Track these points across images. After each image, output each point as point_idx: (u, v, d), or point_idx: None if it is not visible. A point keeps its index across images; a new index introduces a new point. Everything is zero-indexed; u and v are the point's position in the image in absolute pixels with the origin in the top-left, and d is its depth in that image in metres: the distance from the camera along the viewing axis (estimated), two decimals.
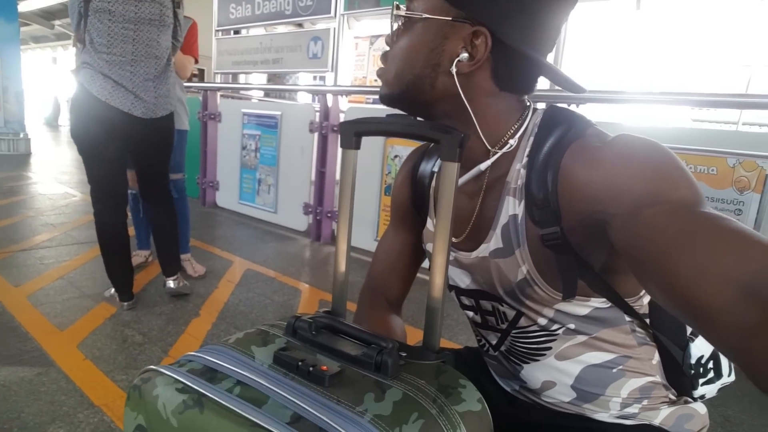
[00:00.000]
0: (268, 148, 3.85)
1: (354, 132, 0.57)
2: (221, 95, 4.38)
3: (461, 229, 0.67)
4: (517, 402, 0.75)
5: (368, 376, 0.46)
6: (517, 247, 0.60)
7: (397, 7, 0.60)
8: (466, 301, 0.74)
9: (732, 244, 0.38)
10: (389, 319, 0.78)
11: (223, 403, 0.41)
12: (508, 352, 0.71)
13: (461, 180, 0.63)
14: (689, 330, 0.68)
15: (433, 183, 0.75)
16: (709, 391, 0.70)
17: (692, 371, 0.67)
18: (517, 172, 0.60)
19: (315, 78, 5.43)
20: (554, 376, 0.67)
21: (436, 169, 0.75)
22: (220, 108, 4.26)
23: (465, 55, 0.57)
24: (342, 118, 3.40)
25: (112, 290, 2.14)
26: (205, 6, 4.54)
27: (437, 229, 0.54)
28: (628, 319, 0.64)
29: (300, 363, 0.46)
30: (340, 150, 0.68)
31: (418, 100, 0.61)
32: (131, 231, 2.20)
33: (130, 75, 1.86)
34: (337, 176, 3.36)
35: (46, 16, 13.75)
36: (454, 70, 0.57)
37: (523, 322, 0.66)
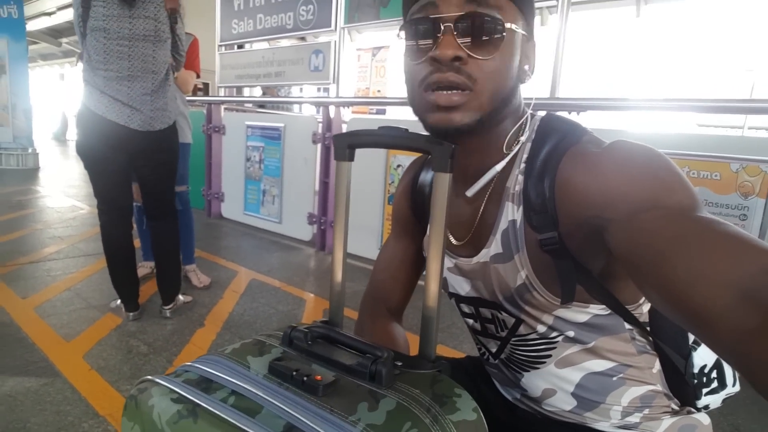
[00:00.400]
0: (272, 159, 3.88)
1: (347, 144, 0.58)
2: (225, 108, 4.43)
3: (463, 234, 0.68)
4: (518, 411, 0.75)
5: (362, 385, 0.46)
6: (516, 252, 0.61)
7: (492, 19, 0.54)
8: (465, 308, 0.74)
9: (729, 247, 0.38)
10: (391, 327, 0.78)
11: (217, 413, 0.41)
12: (508, 360, 0.71)
13: (478, 185, 0.62)
14: (692, 339, 0.67)
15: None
16: (713, 401, 0.69)
17: (695, 381, 0.66)
18: (516, 178, 0.61)
19: (319, 90, 5.49)
20: (554, 383, 0.67)
21: None
22: (224, 121, 4.30)
23: (526, 66, 0.60)
24: (344, 129, 3.43)
25: (118, 301, 2.15)
26: (208, 22, 4.61)
27: (431, 239, 0.54)
28: (627, 326, 0.64)
29: (294, 373, 0.46)
30: None
31: (497, 118, 0.59)
32: (137, 243, 2.22)
33: (128, 90, 1.90)
34: None
35: (54, 34, 13.99)
36: (527, 81, 0.60)
37: (522, 329, 0.66)
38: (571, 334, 0.64)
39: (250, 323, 2.21)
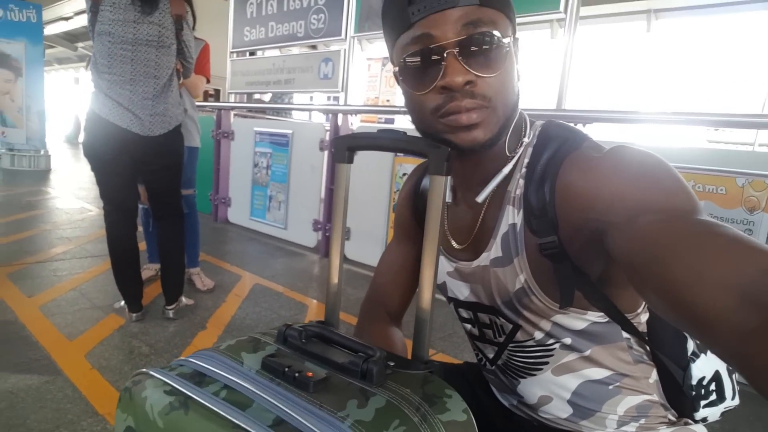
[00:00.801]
0: (279, 165, 3.91)
1: (347, 146, 0.59)
2: (235, 114, 4.48)
3: (464, 237, 0.68)
4: (514, 418, 0.74)
5: (353, 383, 0.47)
6: (515, 255, 0.61)
7: (491, 36, 0.54)
8: (464, 313, 0.74)
9: (729, 249, 0.38)
10: (389, 331, 0.78)
11: (208, 405, 0.42)
12: (506, 366, 0.71)
13: (488, 190, 0.62)
14: (690, 350, 0.67)
15: None
16: (711, 414, 0.68)
17: (693, 392, 0.66)
18: (517, 182, 0.61)
19: (329, 98, 5.53)
20: (551, 390, 0.67)
21: None
22: (233, 126, 4.35)
23: (518, 67, 0.59)
24: None
25: (122, 302, 2.17)
26: (220, 28, 4.69)
27: (425, 244, 0.55)
28: (625, 335, 0.64)
29: (287, 369, 0.46)
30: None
31: (507, 127, 0.59)
32: (142, 245, 2.24)
33: (130, 94, 1.93)
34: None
35: (70, 38, 14.27)
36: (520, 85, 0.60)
37: (519, 336, 0.66)
38: (568, 341, 0.64)
39: (252, 327, 2.21)
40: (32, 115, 6.61)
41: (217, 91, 7.84)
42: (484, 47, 0.53)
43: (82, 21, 12.05)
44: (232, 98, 4.71)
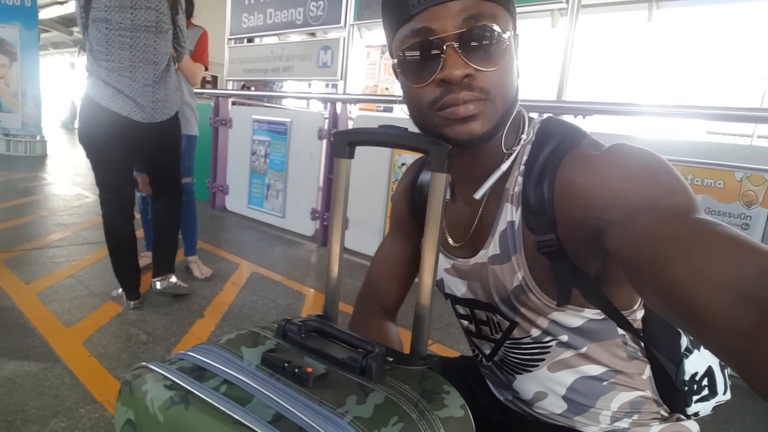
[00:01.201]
0: (278, 154, 3.90)
1: (347, 141, 0.58)
2: (232, 102, 4.44)
3: (462, 235, 0.68)
4: (509, 412, 0.75)
5: (352, 379, 0.47)
6: (513, 253, 0.61)
7: (492, 30, 0.53)
8: (461, 310, 0.75)
9: (727, 248, 0.39)
10: (384, 326, 0.79)
11: (209, 400, 0.42)
12: (502, 363, 0.72)
13: (486, 186, 0.62)
14: (683, 346, 0.67)
15: None
16: (703, 408, 0.69)
17: (686, 388, 0.66)
18: (515, 179, 0.61)
19: (327, 86, 5.48)
20: (546, 386, 0.67)
21: None
22: (231, 114, 4.32)
23: (518, 63, 0.59)
24: (350, 125, 3.43)
25: (120, 290, 2.17)
26: (218, 15, 4.63)
27: (426, 238, 0.55)
28: (620, 332, 0.64)
29: (286, 364, 0.47)
30: None
31: (505, 122, 0.58)
32: (140, 233, 2.24)
33: (129, 81, 1.92)
34: None
35: (65, 23, 14.06)
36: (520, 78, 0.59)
37: (516, 333, 0.67)
38: (564, 338, 0.64)
39: (249, 316, 2.22)
40: (28, 100, 6.55)
41: (215, 78, 7.77)
42: (484, 41, 0.53)
43: None
44: (229, 85, 4.67)
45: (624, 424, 0.66)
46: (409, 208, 0.80)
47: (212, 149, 4.37)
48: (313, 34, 4.28)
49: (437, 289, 0.73)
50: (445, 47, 0.52)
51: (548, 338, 0.65)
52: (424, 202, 0.76)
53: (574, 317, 0.62)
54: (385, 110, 5.53)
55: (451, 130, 0.55)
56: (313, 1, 3.74)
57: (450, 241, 0.70)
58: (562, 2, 2.53)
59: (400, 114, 4.62)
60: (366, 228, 3.23)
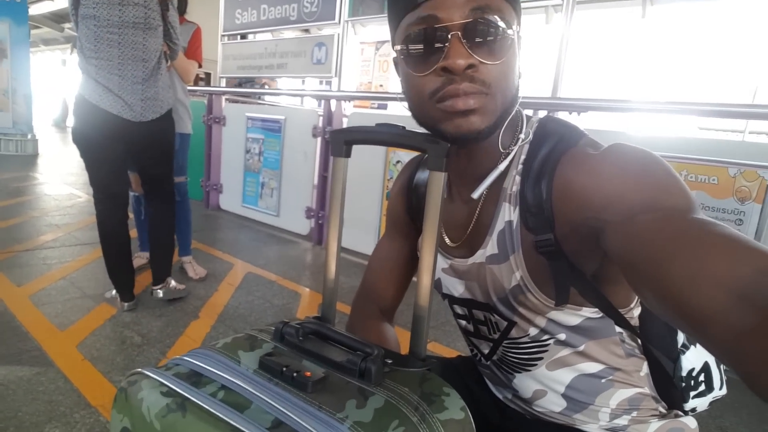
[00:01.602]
0: (272, 152, 3.88)
1: (344, 140, 0.57)
2: (226, 99, 4.42)
3: (459, 235, 0.68)
4: (508, 411, 0.75)
5: (352, 382, 0.47)
6: (511, 253, 0.61)
7: (498, 23, 0.53)
8: (459, 310, 0.74)
9: (725, 249, 0.39)
10: (381, 327, 0.78)
11: (206, 407, 0.41)
12: (500, 362, 0.72)
13: (483, 186, 0.61)
14: (680, 342, 0.68)
15: None
16: (700, 404, 0.69)
17: (683, 384, 0.67)
18: (513, 179, 0.61)
19: (321, 82, 5.46)
20: (545, 384, 0.67)
21: None
22: (225, 112, 4.29)
23: (520, 63, 0.58)
24: (345, 123, 3.42)
25: (114, 291, 2.15)
26: (211, 11, 4.59)
27: (424, 239, 0.54)
28: (617, 330, 0.64)
29: (284, 368, 0.46)
30: None
31: (504, 120, 0.57)
32: (134, 233, 2.22)
33: (119, 79, 1.90)
34: None
35: (56, 19, 13.91)
36: (521, 78, 0.59)
37: (514, 333, 0.67)
38: (562, 337, 0.64)
39: (245, 316, 2.21)
40: (18, 98, 6.47)
41: (208, 75, 7.71)
42: (489, 33, 0.52)
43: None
44: (223, 83, 4.63)
45: (623, 421, 0.66)
46: (406, 207, 0.79)
47: (206, 147, 4.34)
48: (307, 31, 4.26)
49: (435, 289, 0.72)
50: (449, 36, 0.52)
51: (546, 337, 0.65)
52: (421, 202, 0.76)
53: (571, 316, 0.62)
54: (380, 107, 5.52)
55: (451, 124, 0.55)
56: None
57: (447, 240, 0.70)
58: None
59: (395, 111, 4.62)
60: (361, 226, 3.22)
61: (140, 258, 2.65)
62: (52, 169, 5.79)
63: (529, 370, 0.68)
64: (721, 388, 0.71)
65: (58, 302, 2.13)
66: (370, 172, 3.16)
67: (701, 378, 0.68)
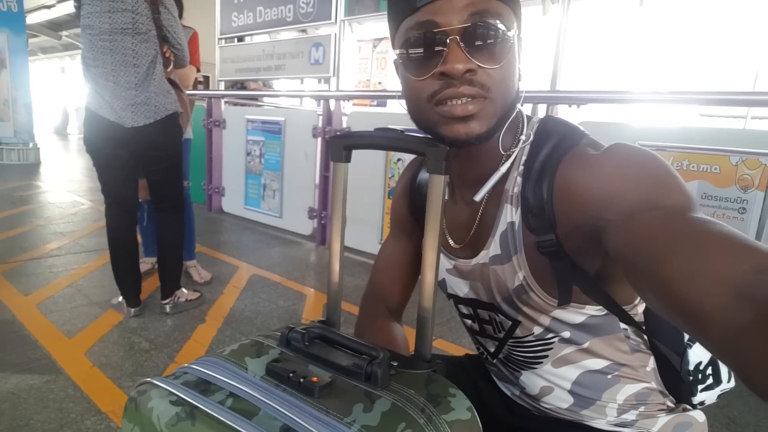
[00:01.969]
0: (273, 153, 3.88)
1: (344, 146, 0.58)
2: (225, 102, 4.42)
3: (463, 236, 0.68)
4: (516, 408, 0.75)
5: (358, 386, 0.47)
6: (514, 253, 0.61)
7: (497, 27, 0.53)
8: (464, 309, 0.75)
9: (724, 247, 0.39)
10: (390, 327, 0.79)
11: (215, 415, 0.42)
12: (507, 360, 0.72)
13: (485, 188, 0.61)
14: (687, 337, 0.68)
15: None
16: (708, 397, 0.69)
17: (691, 378, 0.67)
18: (515, 180, 0.61)
19: (320, 81, 5.46)
20: (552, 381, 0.68)
21: None
22: (224, 115, 4.30)
23: (520, 65, 0.58)
24: (345, 122, 3.42)
25: (120, 297, 2.16)
26: (207, 14, 4.59)
27: (426, 240, 0.55)
28: (622, 326, 0.65)
29: (291, 374, 0.46)
30: None
31: (503, 123, 0.58)
32: (138, 239, 2.23)
33: (113, 85, 1.92)
34: None
35: (54, 27, 13.92)
36: (522, 81, 0.59)
37: (518, 332, 0.67)
38: (566, 335, 0.64)
39: (251, 319, 2.22)
40: (19, 107, 6.50)
41: (207, 79, 7.72)
42: (487, 38, 0.52)
43: (65, 9, 11.76)
44: (221, 86, 4.64)
45: (631, 416, 0.66)
46: (409, 207, 0.79)
47: (206, 151, 4.35)
48: (304, 31, 4.26)
49: (440, 289, 0.73)
50: (448, 41, 0.52)
51: (551, 335, 0.65)
52: (424, 202, 0.76)
53: (575, 314, 0.62)
54: (379, 105, 5.52)
55: (449, 129, 0.55)
56: None
57: (451, 242, 0.70)
58: None
59: (394, 109, 4.62)
60: (363, 225, 3.22)
61: (145, 263, 2.66)
62: (54, 178, 5.81)
63: (535, 368, 0.68)
64: (729, 381, 0.71)
65: (65, 310, 2.15)
66: (371, 171, 3.17)
67: (709, 371, 0.68)
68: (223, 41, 4.53)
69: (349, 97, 3.61)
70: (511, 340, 0.69)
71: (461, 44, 0.52)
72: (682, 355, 0.66)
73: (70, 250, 3.01)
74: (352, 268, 3.02)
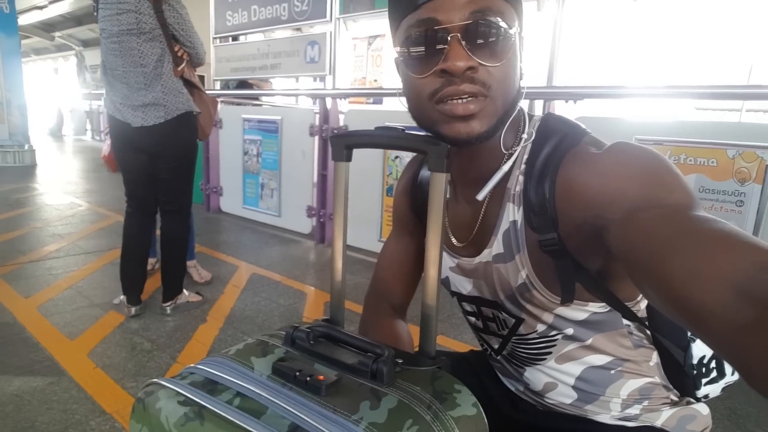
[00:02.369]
0: (270, 152, 3.88)
1: (345, 145, 0.58)
2: (221, 101, 4.41)
3: (465, 235, 0.68)
4: (520, 403, 0.76)
5: (364, 384, 0.47)
6: (517, 252, 0.61)
7: (498, 25, 0.52)
8: (468, 307, 0.75)
9: (725, 244, 0.39)
10: (395, 324, 0.79)
11: (223, 414, 0.42)
12: (510, 356, 0.72)
13: (488, 188, 0.61)
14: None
15: None
16: (712, 390, 0.70)
17: (695, 371, 0.67)
18: (516, 179, 0.61)
19: (315, 80, 5.44)
20: (555, 377, 0.68)
21: None
22: (221, 114, 4.28)
23: (522, 64, 0.58)
24: (341, 120, 3.42)
25: (122, 297, 2.16)
26: (201, 14, 4.56)
27: (428, 241, 0.55)
28: (625, 322, 0.65)
29: (297, 373, 0.47)
30: None
31: (504, 122, 0.57)
32: None
33: (126, 87, 1.95)
34: None
35: (46, 28, 13.84)
36: (524, 79, 0.58)
37: (522, 329, 0.67)
38: (570, 332, 0.65)
39: (252, 318, 2.23)
40: (13, 109, 6.46)
41: (202, 77, 7.69)
42: (489, 35, 0.52)
43: (58, 10, 11.70)
44: (217, 85, 4.62)
45: (635, 410, 0.66)
46: (411, 205, 0.79)
47: (203, 151, 4.34)
48: (299, 30, 4.24)
49: (444, 287, 0.73)
50: (449, 39, 0.51)
51: (554, 332, 0.65)
52: (426, 199, 0.76)
53: (578, 311, 0.63)
54: (375, 102, 5.50)
55: (450, 128, 0.55)
56: None
57: (454, 240, 0.70)
58: None
59: (390, 106, 4.61)
60: (363, 222, 3.23)
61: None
62: (51, 179, 5.79)
63: (539, 364, 0.69)
64: (733, 374, 0.71)
65: (66, 312, 2.15)
66: (369, 169, 3.17)
67: (713, 365, 0.69)
68: (218, 40, 4.51)
69: (345, 95, 3.60)
70: (514, 338, 0.69)
71: (462, 42, 0.51)
72: (686, 350, 0.67)
73: (69, 252, 3.01)
74: (352, 265, 3.03)
